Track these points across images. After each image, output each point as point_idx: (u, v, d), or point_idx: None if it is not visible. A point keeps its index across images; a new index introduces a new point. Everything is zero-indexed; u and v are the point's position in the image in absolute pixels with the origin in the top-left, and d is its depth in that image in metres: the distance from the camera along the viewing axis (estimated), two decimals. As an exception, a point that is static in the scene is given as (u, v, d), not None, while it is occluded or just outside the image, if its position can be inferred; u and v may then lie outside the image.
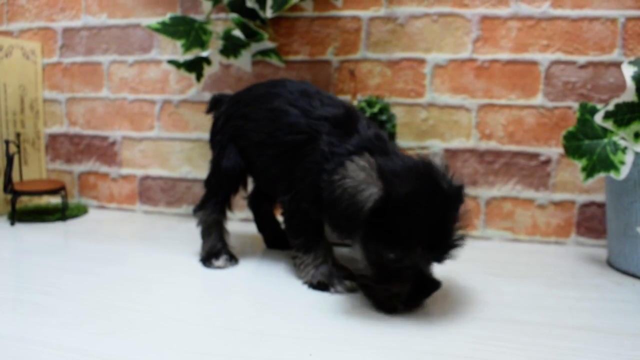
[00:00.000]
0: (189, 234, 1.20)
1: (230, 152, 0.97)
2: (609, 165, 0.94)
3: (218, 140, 1.01)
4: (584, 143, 0.98)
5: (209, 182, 1.02)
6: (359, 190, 0.70)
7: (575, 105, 1.16)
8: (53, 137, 1.53)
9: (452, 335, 0.69)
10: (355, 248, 0.76)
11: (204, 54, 1.20)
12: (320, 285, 0.85)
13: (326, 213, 0.75)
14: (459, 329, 0.71)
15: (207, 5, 1.17)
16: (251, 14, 1.20)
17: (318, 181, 0.79)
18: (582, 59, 1.16)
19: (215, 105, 1.05)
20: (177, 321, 0.72)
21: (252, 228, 1.24)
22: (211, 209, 1.00)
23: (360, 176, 0.71)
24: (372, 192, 0.69)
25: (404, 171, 0.72)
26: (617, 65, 1.14)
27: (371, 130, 0.83)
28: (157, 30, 1.16)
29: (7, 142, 1.29)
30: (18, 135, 1.40)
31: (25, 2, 1.52)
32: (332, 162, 0.79)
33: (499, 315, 0.76)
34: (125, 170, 1.48)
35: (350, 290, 0.85)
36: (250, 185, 1.06)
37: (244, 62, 1.24)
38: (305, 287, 0.87)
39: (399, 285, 0.73)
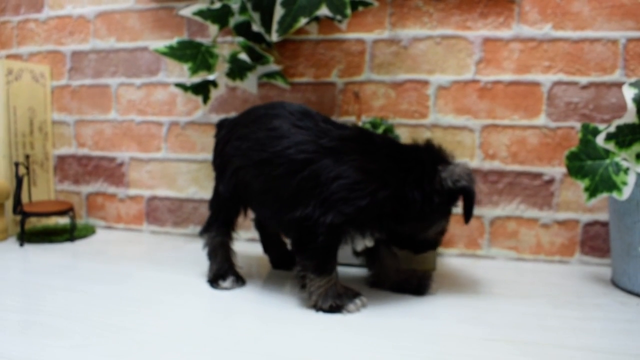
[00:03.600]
0: (195, 255, 1.21)
1: (226, 176, 0.98)
2: (611, 185, 0.95)
3: (217, 164, 1.02)
4: (587, 163, 0.99)
5: (212, 205, 1.04)
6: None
7: (578, 125, 1.17)
8: (61, 159, 1.55)
9: (457, 357, 0.70)
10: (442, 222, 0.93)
11: (211, 77, 1.22)
12: (332, 309, 0.85)
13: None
14: (463, 349, 0.72)
15: (213, 29, 1.19)
16: (257, 38, 1.22)
17: (382, 203, 0.84)
18: (584, 80, 1.17)
19: (219, 129, 1.06)
20: (185, 343, 0.73)
21: (258, 248, 1.25)
22: (216, 232, 1.01)
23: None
24: None
25: None
26: (619, 85, 1.15)
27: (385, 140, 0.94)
28: (164, 54, 1.18)
29: (16, 164, 1.31)
30: (27, 156, 1.42)
31: (35, 26, 1.55)
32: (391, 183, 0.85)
33: (502, 336, 0.77)
34: (132, 191, 1.49)
35: (359, 308, 0.86)
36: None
37: (249, 84, 1.25)
38: (309, 307, 0.87)
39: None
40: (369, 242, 0.90)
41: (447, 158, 0.90)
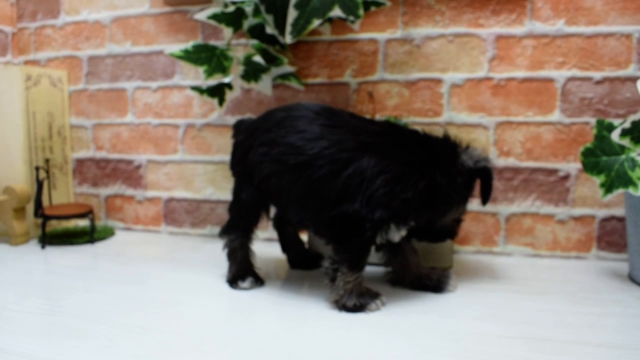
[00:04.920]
0: (214, 255, 1.23)
1: (250, 184, 0.98)
2: (627, 181, 0.95)
3: (238, 171, 1.02)
4: (602, 159, 0.99)
5: (232, 210, 1.04)
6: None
7: (593, 121, 1.17)
8: (80, 162, 1.58)
9: (475, 354, 0.70)
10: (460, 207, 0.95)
11: (226, 79, 1.24)
12: (355, 308, 0.86)
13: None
14: (481, 347, 0.72)
15: (227, 32, 1.20)
16: (271, 40, 1.23)
17: (422, 193, 0.87)
18: (597, 75, 1.17)
19: (236, 131, 1.05)
20: (207, 343, 0.74)
21: (275, 248, 1.26)
22: (235, 235, 1.02)
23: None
24: None
25: None
26: (633, 80, 1.15)
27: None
28: (180, 57, 1.19)
29: (37, 168, 1.33)
30: (47, 160, 1.45)
31: (52, 31, 1.57)
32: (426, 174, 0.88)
33: (521, 333, 0.77)
34: (150, 193, 1.51)
35: (380, 308, 0.88)
36: (273, 209, 1.07)
37: (264, 86, 1.27)
38: (330, 306, 0.89)
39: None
40: (403, 232, 0.90)
41: (464, 144, 0.94)
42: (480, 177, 0.93)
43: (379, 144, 0.88)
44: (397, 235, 0.89)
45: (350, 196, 0.86)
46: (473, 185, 0.94)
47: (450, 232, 0.98)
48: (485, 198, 0.94)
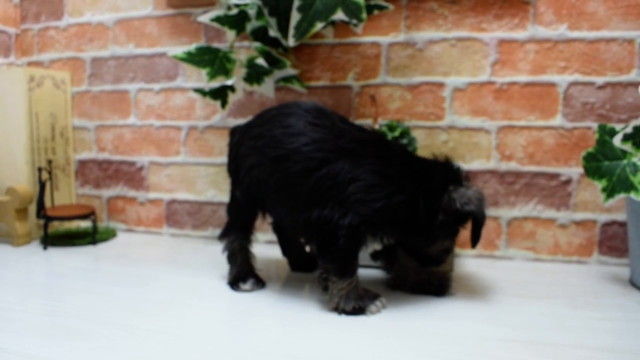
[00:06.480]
0: (215, 257, 1.23)
1: (241, 176, 0.99)
2: (629, 186, 0.95)
3: (232, 169, 1.03)
4: (604, 164, 0.99)
5: (229, 211, 1.05)
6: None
7: (595, 126, 1.17)
8: (82, 163, 1.58)
9: (475, 357, 0.70)
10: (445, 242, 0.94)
11: (229, 82, 1.24)
12: (355, 311, 0.86)
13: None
14: (482, 350, 0.73)
15: (230, 35, 1.21)
16: (273, 42, 1.23)
17: (396, 207, 0.85)
18: (600, 80, 1.17)
19: (232, 135, 1.06)
20: (208, 345, 0.74)
21: (276, 251, 1.26)
22: (234, 236, 1.03)
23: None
24: None
25: None
26: (635, 85, 1.15)
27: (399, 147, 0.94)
28: (183, 59, 1.20)
29: (39, 170, 1.34)
30: (49, 162, 1.45)
31: (55, 33, 1.57)
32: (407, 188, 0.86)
33: (521, 337, 0.77)
34: (152, 195, 1.51)
35: (380, 310, 0.88)
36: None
37: (267, 88, 1.27)
38: (330, 309, 0.89)
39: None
40: (377, 246, 0.90)
41: (461, 179, 0.90)
42: (470, 219, 0.90)
43: (357, 151, 0.88)
44: (370, 246, 0.89)
45: (321, 199, 0.86)
46: (462, 224, 0.91)
47: (435, 261, 0.97)
48: (473, 242, 0.90)
